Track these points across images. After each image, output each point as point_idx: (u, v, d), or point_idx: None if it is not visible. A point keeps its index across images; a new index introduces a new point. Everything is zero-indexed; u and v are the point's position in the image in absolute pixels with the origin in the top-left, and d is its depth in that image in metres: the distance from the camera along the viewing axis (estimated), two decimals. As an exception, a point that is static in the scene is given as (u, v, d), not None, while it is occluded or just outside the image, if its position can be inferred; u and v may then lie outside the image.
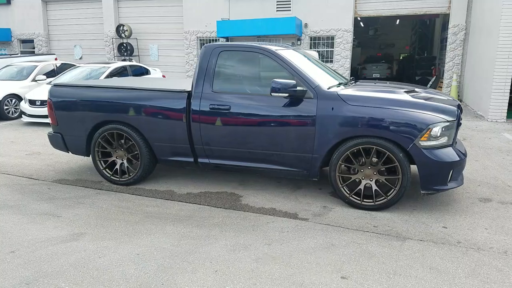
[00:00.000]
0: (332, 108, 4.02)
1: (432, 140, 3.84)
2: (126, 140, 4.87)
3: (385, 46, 30.75)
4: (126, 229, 3.67)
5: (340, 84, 4.61)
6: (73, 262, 3.04)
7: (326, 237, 3.48)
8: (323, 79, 4.42)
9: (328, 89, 4.17)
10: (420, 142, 3.81)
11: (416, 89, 4.54)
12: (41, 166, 5.84)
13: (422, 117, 3.82)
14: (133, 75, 11.58)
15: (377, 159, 4.04)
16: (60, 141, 5.18)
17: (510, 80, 9.05)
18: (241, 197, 4.53)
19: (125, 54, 17.63)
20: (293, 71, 4.21)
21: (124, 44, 17.59)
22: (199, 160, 4.68)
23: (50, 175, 5.42)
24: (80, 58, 19.30)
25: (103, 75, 10.54)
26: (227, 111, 4.36)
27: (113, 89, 4.82)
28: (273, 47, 4.45)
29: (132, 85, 4.89)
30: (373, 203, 4.07)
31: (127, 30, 17.40)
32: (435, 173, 3.87)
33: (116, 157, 4.99)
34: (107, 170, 5.02)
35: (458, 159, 3.90)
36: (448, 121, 3.86)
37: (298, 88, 4.07)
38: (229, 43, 4.60)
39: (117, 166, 4.98)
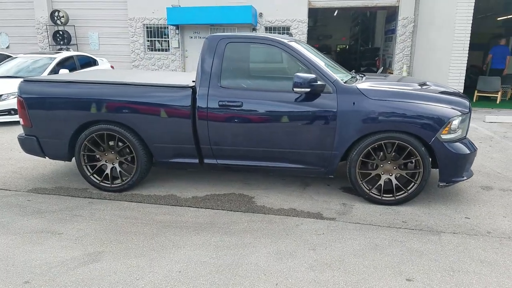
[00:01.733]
0: (354, 103, 3.90)
1: (452, 133, 3.88)
2: (118, 142, 4.36)
3: (322, 38, 31.53)
4: (148, 243, 3.26)
5: (351, 77, 4.50)
6: (109, 290, 2.61)
7: (365, 237, 3.37)
8: (335, 73, 4.27)
9: (344, 83, 4.04)
10: (441, 135, 3.83)
11: (427, 82, 4.58)
12: (4, 173, 5.06)
13: (443, 111, 3.84)
14: (80, 66, 10.62)
15: (394, 153, 4.01)
16: (35, 145, 4.49)
17: (465, 71, 9.66)
18: (252, 198, 4.27)
19: (61, 43, 16.11)
20: (310, 65, 4.01)
21: (60, 32, 16.05)
22: (205, 161, 4.32)
23: (20, 183, 4.71)
24: (7, 47, 17.30)
25: (49, 66, 9.54)
26: (239, 108, 4.05)
27: (103, 85, 4.26)
28: (284, 39, 4.20)
29: (125, 80, 4.37)
30: (393, 198, 4.04)
31: (63, 17, 15.88)
32: (454, 166, 3.92)
33: (106, 161, 4.45)
34: (95, 175, 4.47)
35: (473, 151, 3.99)
36: (463, 114, 3.92)
37: (319, 82, 3.89)
38: (236, 34, 4.26)
39: (107, 171, 4.45)
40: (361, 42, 23.00)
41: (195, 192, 4.44)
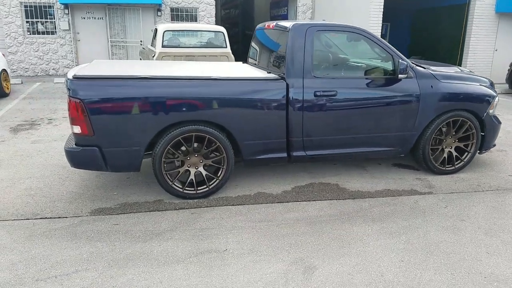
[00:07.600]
0: (432, 86, 4.37)
1: (493, 109, 4.74)
2: (207, 143, 3.90)
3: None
4: (325, 242, 3.18)
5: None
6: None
7: (478, 203, 3.94)
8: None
9: (415, 68, 4.47)
10: (489, 111, 4.65)
11: (457, 67, 5.35)
12: (15, 198, 3.94)
13: (490, 91, 4.66)
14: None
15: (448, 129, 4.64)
16: (97, 157, 3.66)
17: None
18: (338, 185, 4.39)
19: None
20: (393, 52, 4.29)
21: None
22: (294, 154, 4.23)
23: (66, 207, 3.76)
24: None
25: None
26: (333, 97, 4.11)
27: (189, 81, 3.74)
28: (365, 29, 4.36)
29: (212, 75, 3.92)
30: (453, 167, 4.73)
31: None
32: (493, 135, 4.82)
33: (188, 166, 3.94)
34: (176, 184, 3.92)
35: (501, 123, 4.93)
36: (496, 93, 4.82)
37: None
38: (321, 22, 4.21)
39: (191, 177, 3.95)
40: (245, 27, 23.58)
41: (279, 187, 4.32)
